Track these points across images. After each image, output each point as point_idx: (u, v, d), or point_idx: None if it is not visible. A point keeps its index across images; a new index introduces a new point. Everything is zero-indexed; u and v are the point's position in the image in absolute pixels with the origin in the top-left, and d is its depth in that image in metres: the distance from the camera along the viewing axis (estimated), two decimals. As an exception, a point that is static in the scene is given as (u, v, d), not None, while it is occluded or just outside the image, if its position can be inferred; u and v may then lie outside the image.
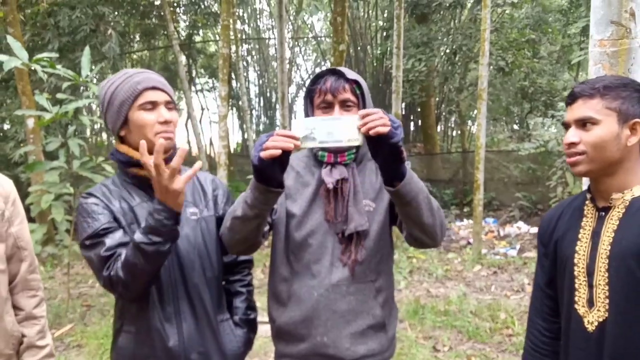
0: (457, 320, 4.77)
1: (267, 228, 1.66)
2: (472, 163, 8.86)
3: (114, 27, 9.25)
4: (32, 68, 4.01)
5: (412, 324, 4.73)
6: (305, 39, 19.57)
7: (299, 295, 1.66)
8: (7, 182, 1.68)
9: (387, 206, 1.69)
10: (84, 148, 4.63)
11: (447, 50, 12.22)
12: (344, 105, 1.65)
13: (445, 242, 8.56)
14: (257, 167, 1.39)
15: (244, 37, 17.99)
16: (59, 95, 4.73)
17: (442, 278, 6.27)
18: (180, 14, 13.93)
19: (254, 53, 18.64)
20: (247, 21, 18.28)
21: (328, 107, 1.65)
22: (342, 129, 1.38)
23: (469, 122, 16.08)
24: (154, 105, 1.63)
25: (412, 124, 16.46)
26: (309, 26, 19.66)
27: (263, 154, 1.35)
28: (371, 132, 1.34)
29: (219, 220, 1.72)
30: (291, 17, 16.85)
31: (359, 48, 16.10)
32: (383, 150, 1.40)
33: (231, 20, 9.14)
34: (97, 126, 13.81)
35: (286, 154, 1.37)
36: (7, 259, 1.63)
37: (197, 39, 16.45)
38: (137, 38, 14.00)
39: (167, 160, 1.64)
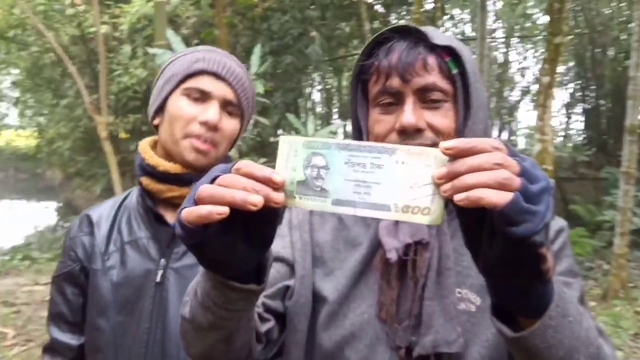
0: None
1: (269, 325, 0.94)
2: None
3: (319, 30, 9.24)
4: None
5: (624, 419, 3.41)
6: (535, 40, 17.59)
7: None
8: None
9: None
10: (243, 148, 4.42)
11: None
12: (426, 98, 0.87)
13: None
14: (183, 242, 0.65)
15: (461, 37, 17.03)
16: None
17: (683, 351, 4.60)
18: (397, 17, 13.60)
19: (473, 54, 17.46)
20: (468, 21, 17.23)
21: (394, 102, 0.88)
22: (394, 178, 0.62)
23: None
24: (203, 96, 1.14)
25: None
26: (538, 26, 17.67)
27: (186, 216, 0.62)
28: (460, 202, 0.57)
29: None
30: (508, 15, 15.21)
31: (597, 49, 13.78)
32: (493, 248, 0.60)
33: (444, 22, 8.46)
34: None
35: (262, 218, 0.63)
36: None
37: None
38: (355, 43, 14.09)
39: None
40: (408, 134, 0.86)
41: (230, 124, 1.19)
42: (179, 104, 1.15)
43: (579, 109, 16.18)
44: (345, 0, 9.85)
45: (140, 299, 1.16)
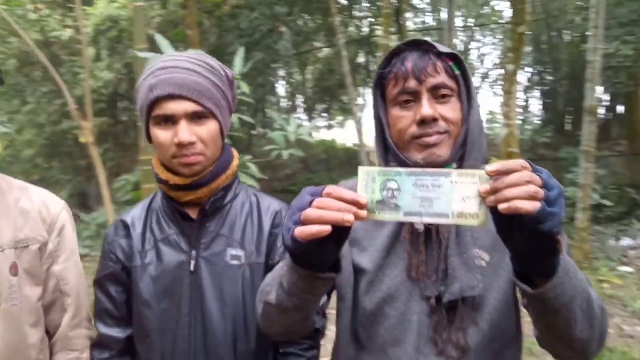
0: (661, 374, 3.68)
1: (324, 299, 1.17)
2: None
3: (288, 25, 9.39)
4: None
5: (597, 372, 3.76)
6: (493, 27, 18.10)
7: None
8: (55, 204, 1.39)
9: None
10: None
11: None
12: (438, 94, 1.08)
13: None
14: (291, 251, 0.89)
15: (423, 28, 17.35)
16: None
17: (643, 312, 5.02)
18: (358, 10, 13.81)
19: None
20: (428, 12, 17.57)
21: (411, 99, 1.09)
22: (449, 194, 0.84)
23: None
24: (170, 120, 1.23)
25: (616, 117, 14.17)
26: (497, 12, 18.19)
27: (299, 234, 0.84)
28: (503, 210, 0.79)
29: (271, 269, 1.26)
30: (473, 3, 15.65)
31: (553, 33, 14.34)
32: (522, 237, 0.84)
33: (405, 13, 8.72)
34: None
35: (343, 228, 0.84)
36: (46, 307, 1.32)
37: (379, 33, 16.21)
38: (322, 37, 14.21)
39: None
40: (426, 123, 1.07)
41: (204, 129, 1.25)
42: (155, 134, 1.26)
43: (536, 92, 16.76)
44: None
45: (178, 287, 1.29)
